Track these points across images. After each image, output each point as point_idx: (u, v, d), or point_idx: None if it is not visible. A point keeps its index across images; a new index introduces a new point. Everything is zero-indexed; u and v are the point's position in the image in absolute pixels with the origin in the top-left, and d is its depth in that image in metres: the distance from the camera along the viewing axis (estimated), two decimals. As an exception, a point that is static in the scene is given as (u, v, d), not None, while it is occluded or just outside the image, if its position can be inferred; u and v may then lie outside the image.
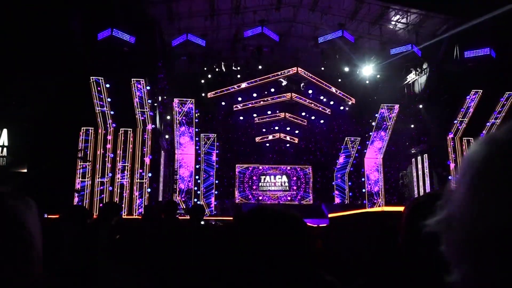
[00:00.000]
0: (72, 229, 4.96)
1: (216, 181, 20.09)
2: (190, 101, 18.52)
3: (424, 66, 19.01)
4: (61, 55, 13.19)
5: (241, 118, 21.15)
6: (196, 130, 19.08)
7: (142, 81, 15.20)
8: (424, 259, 0.89)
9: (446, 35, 16.58)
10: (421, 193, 18.00)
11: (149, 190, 15.21)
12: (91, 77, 14.82)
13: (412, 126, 20.05)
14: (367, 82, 19.38)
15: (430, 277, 0.83)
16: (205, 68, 19.51)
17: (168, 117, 18.73)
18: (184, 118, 18.50)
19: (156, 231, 4.43)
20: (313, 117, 21.28)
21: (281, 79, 19.20)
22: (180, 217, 7.24)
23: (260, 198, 21.71)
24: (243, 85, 19.60)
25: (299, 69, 18.76)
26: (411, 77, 19.65)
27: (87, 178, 15.03)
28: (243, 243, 1.00)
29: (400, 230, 1.15)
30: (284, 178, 22.16)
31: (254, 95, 19.99)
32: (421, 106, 19.30)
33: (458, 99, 17.33)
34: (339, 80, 19.67)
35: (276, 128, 21.23)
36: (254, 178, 22.00)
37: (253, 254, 0.97)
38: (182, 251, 4.17)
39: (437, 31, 17.67)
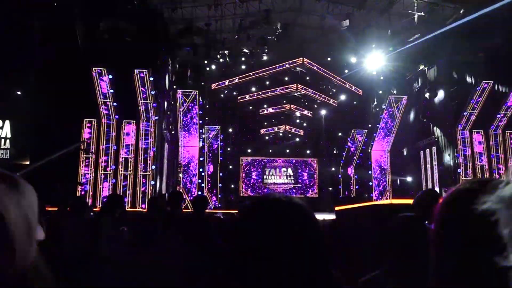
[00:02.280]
0: (72, 220, 4.75)
1: (221, 174, 19.88)
2: (194, 92, 18.24)
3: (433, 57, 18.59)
4: (63, 44, 12.94)
5: (246, 109, 20.87)
6: (200, 122, 18.83)
7: (145, 71, 14.94)
8: (469, 245, 0.76)
9: (457, 25, 16.16)
10: (429, 185, 17.67)
11: (152, 182, 15.02)
12: (93, 68, 14.57)
13: (421, 118, 19.67)
14: (375, 73, 18.99)
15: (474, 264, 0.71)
16: (208, 60, 19.18)
17: (172, 109, 18.48)
18: (188, 109, 18.24)
19: (162, 223, 4.25)
20: (320, 109, 20.98)
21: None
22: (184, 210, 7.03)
23: (265, 190, 21.51)
24: (248, 76, 19.28)
25: (305, 59, 18.42)
26: (420, 68, 19.25)
27: (90, 171, 14.84)
28: (247, 235, 0.92)
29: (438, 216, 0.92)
30: (290, 171, 21.91)
31: (259, 86, 19.69)
32: (428, 96, 18.90)
33: (468, 91, 16.95)
34: (346, 71, 19.29)
35: (282, 119, 20.96)
36: (259, 170, 21.77)
37: (258, 246, 0.88)
38: (186, 244, 3.95)
39: (447, 20, 17.25)
